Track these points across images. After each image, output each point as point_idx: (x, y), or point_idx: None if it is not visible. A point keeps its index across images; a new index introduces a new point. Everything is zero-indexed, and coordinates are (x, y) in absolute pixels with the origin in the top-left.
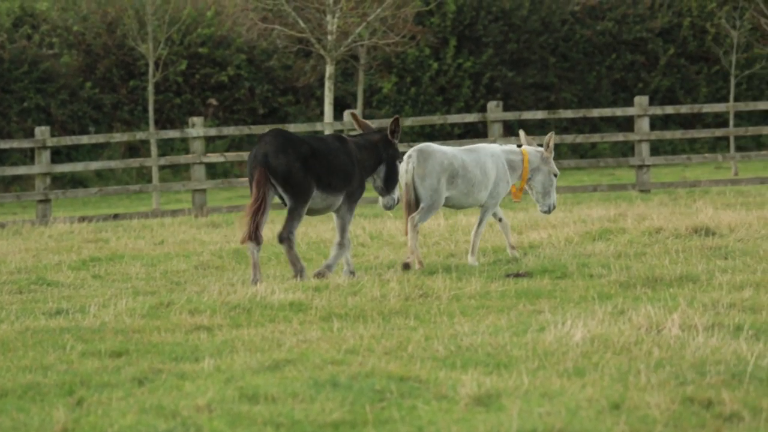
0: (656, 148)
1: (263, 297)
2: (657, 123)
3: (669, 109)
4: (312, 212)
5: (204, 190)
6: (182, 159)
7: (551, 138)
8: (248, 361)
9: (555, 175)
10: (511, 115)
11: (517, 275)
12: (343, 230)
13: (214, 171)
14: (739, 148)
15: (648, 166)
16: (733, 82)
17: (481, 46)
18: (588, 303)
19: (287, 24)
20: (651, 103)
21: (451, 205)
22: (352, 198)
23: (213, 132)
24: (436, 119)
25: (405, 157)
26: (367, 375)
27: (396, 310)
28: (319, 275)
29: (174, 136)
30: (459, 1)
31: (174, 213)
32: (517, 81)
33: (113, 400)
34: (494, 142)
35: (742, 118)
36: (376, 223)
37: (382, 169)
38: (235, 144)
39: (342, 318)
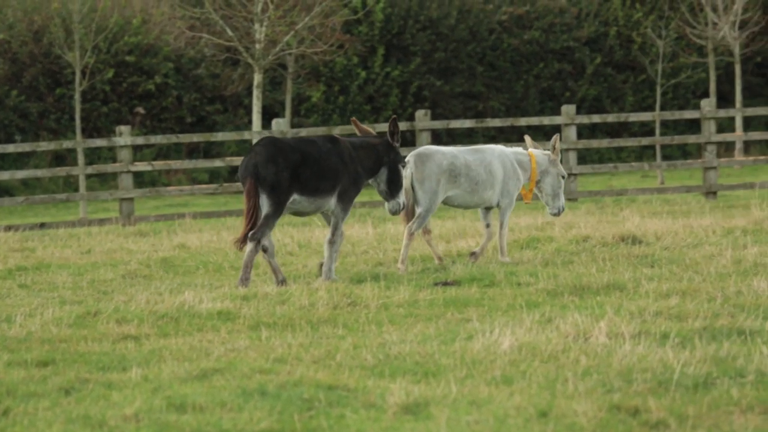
0: (583, 157)
1: (191, 306)
2: (584, 132)
3: (596, 118)
4: (301, 214)
5: (131, 199)
6: (109, 168)
7: (557, 140)
8: (176, 371)
9: (563, 177)
10: (439, 124)
11: (446, 284)
12: (335, 228)
13: (141, 180)
14: (665, 157)
15: (575, 174)
16: (659, 91)
17: (409, 54)
18: (516, 311)
19: (215, 32)
20: (578, 111)
21: (457, 204)
22: (346, 197)
23: (140, 141)
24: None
25: (405, 161)
26: (295, 384)
27: (324, 319)
28: (326, 279)
29: (101, 144)
30: (387, 10)
31: (101, 222)
32: (445, 90)
33: (39, 410)
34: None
35: (668, 127)
36: (304, 232)
37: (383, 173)
38: (163, 153)
39: (270, 327)
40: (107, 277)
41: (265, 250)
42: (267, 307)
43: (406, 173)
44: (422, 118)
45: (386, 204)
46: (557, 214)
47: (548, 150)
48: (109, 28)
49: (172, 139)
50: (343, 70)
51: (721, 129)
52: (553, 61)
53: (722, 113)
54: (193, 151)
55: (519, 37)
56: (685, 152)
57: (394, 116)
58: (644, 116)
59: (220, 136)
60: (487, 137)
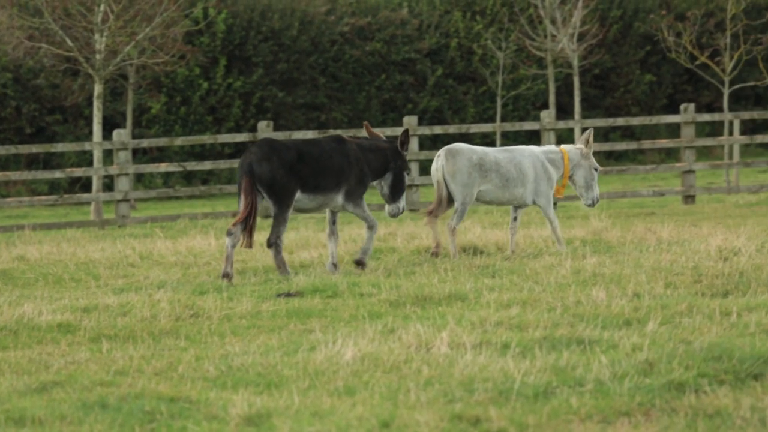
0: (425, 168)
1: (30, 318)
2: (426, 143)
3: (437, 129)
4: (304, 211)
5: None
6: None
7: (590, 134)
8: (15, 384)
9: (596, 170)
10: (281, 135)
11: (288, 295)
12: (365, 218)
13: None
14: None
15: (417, 185)
16: (499, 102)
17: (252, 65)
18: (358, 322)
19: (54, 42)
20: (420, 123)
21: (489, 200)
22: (354, 194)
23: None
24: (207, 139)
25: (435, 156)
26: (136, 396)
27: (166, 331)
28: (359, 263)
29: None
30: (229, 21)
31: None
32: (287, 101)
33: None
34: None
35: (509, 138)
36: (146, 243)
37: (388, 177)
38: (2, 163)
39: (111, 339)
40: None
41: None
42: (108, 319)
43: (437, 166)
44: (264, 130)
45: (387, 207)
46: (592, 205)
47: (581, 145)
48: None
49: (11, 150)
50: (184, 81)
51: (560, 140)
52: (395, 72)
53: (561, 124)
54: (32, 162)
55: (361, 49)
56: None
57: (407, 128)
58: (485, 127)
59: (60, 147)
60: None
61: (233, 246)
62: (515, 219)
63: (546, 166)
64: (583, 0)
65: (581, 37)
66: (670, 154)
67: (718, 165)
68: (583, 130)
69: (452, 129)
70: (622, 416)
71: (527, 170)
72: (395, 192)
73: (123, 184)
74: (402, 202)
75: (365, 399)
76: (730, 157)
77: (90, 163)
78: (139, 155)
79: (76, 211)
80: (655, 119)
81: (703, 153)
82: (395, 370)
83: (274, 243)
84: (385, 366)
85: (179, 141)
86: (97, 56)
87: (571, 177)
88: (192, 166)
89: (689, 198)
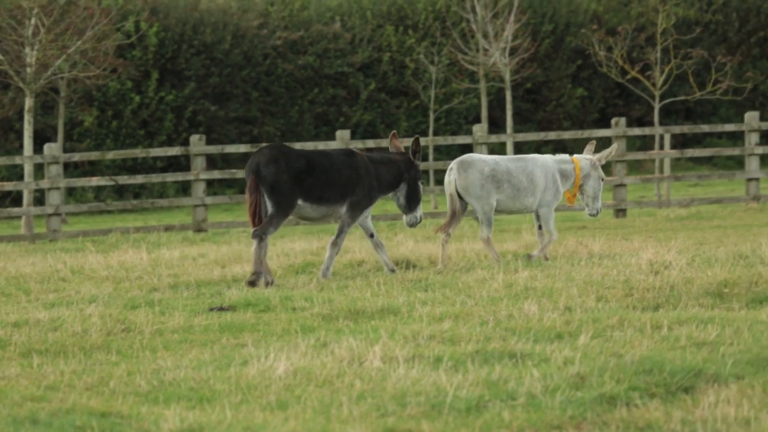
0: None
1: None
2: None
3: (370, 143)
4: (309, 220)
5: None
6: None
7: (614, 149)
8: None
9: (602, 180)
10: (214, 149)
11: (221, 309)
12: (340, 232)
13: None
14: (438, 182)
15: None
16: (432, 116)
17: (184, 79)
18: (291, 336)
19: None
20: (353, 137)
21: (500, 209)
22: (357, 207)
23: None
24: (139, 153)
25: (448, 169)
26: (67, 411)
27: (98, 345)
28: (323, 277)
29: None
30: (161, 35)
31: None
32: (220, 114)
33: None
34: (198, 176)
35: (441, 152)
36: (77, 258)
37: (403, 188)
38: None
39: (42, 354)
40: None
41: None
42: (39, 334)
43: (450, 179)
44: (197, 143)
45: (404, 217)
46: (595, 215)
47: (589, 156)
48: None
49: None
50: (116, 95)
51: (492, 154)
52: (327, 86)
53: (494, 138)
54: None
55: (293, 63)
56: None
57: (417, 136)
58: None
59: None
60: None
61: (261, 248)
62: (540, 227)
63: (556, 177)
64: (515, 14)
65: (513, 52)
66: (604, 169)
67: (649, 179)
68: (516, 144)
69: (385, 143)
70: (553, 430)
71: (538, 180)
72: (411, 202)
73: (54, 198)
74: (419, 212)
75: (298, 413)
76: (661, 171)
77: (21, 177)
78: (71, 169)
79: (6, 225)
80: (586, 133)
81: (634, 167)
82: (328, 384)
83: (258, 236)
84: (318, 380)
85: (111, 155)
86: (28, 70)
87: (581, 187)
88: (124, 179)
89: (620, 212)
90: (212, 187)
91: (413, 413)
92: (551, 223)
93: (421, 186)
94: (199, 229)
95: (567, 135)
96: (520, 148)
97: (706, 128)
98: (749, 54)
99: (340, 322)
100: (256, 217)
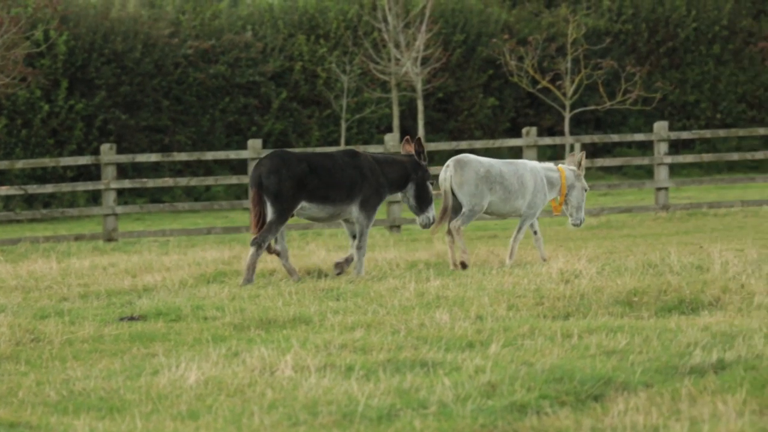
0: None
1: None
2: None
3: None
4: (317, 220)
5: None
6: None
7: (583, 157)
8: None
9: (586, 190)
10: (124, 158)
11: (131, 318)
12: (361, 234)
13: None
14: None
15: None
16: (344, 126)
17: (94, 88)
18: (202, 345)
19: None
20: (264, 146)
21: (491, 211)
22: (367, 206)
23: None
24: (48, 162)
25: (444, 166)
26: None
27: (6, 356)
28: (358, 274)
29: None
30: (70, 43)
31: None
32: (130, 123)
33: None
34: (108, 185)
35: None
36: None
37: (411, 188)
38: None
39: None
40: None
41: (278, 254)
42: None
43: (446, 176)
44: (107, 152)
45: (417, 218)
46: (578, 225)
47: (573, 167)
48: None
49: None
50: (25, 104)
51: None
52: (239, 95)
53: None
54: None
55: (205, 71)
56: None
57: (419, 137)
58: (330, 151)
59: None
60: (174, 171)
61: (257, 255)
62: (536, 232)
63: (544, 182)
64: (426, 24)
65: (425, 61)
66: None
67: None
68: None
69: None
70: None
71: (528, 183)
72: (421, 202)
73: None
74: (431, 212)
75: (209, 423)
76: None
77: None
78: None
79: None
80: (497, 143)
81: None
82: (239, 393)
83: (257, 244)
84: (229, 389)
85: (20, 164)
86: None
87: (566, 196)
88: (33, 189)
89: None
90: (123, 196)
91: (325, 422)
92: (527, 223)
93: (431, 186)
94: (109, 239)
95: (478, 144)
96: (432, 158)
97: (615, 138)
98: (658, 64)
99: (252, 331)
100: (260, 227)
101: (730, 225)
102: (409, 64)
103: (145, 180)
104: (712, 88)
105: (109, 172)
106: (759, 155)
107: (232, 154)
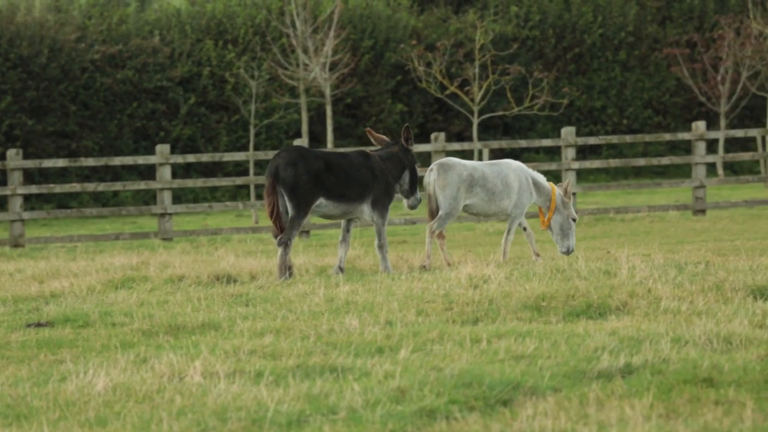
0: (178, 197)
1: None
2: (179, 171)
3: (190, 158)
4: (330, 218)
5: None
6: None
7: (569, 184)
8: None
9: (573, 220)
10: (31, 163)
11: (38, 325)
12: (379, 233)
13: None
14: (259, 197)
15: (170, 214)
16: (252, 131)
17: (0, 93)
18: (110, 352)
19: None
20: (172, 151)
21: (476, 212)
22: (379, 204)
23: None
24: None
25: (428, 170)
26: None
27: None
28: (385, 271)
29: None
30: None
31: None
32: (37, 129)
33: None
34: (15, 190)
35: (262, 166)
36: None
37: (406, 175)
38: None
39: None
40: None
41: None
42: None
43: (429, 180)
44: (14, 158)
45: (405, 201)
46: (567, 253)
47: (560, 191)
48: None
49: None
50: None
51: None
52: (146, 100)
53: None
54: None
55: (112, 77)
56: None
57: (407, 125)
58: (238, 156)
59: None
60: (81, 176)
61: (286, 254)
62: (525, 229)
63: (530, 182)
64: (334, 30)
65: (333, 67)
66: (422, 183)
67: None
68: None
69: (205, 157)
70: None
71: (512, 183)
72: (412, 185)
73: None
74: (418, 193)
75: (117, 430)
76: None
77: None
78: None
79: None
80: None
81: None
82: (148, 399)
83: (284, 243)
84: (138, 396)
85: None
86: None
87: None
88: None
89: None
90: (30, 201)
91: (234, 428)
92: (515, 223)
93: (416, 169)
94: (16, 245)
95: None
96: None
97: (523, 143)
98: (565, 70)
99: (161, 337)
100: (275, 217)
101: (637, 230)
102: (317, 70)
103: (52, 185)
104: (618, 93)
105: (16, 177)
106: (665, 161)
107: (140, 160)
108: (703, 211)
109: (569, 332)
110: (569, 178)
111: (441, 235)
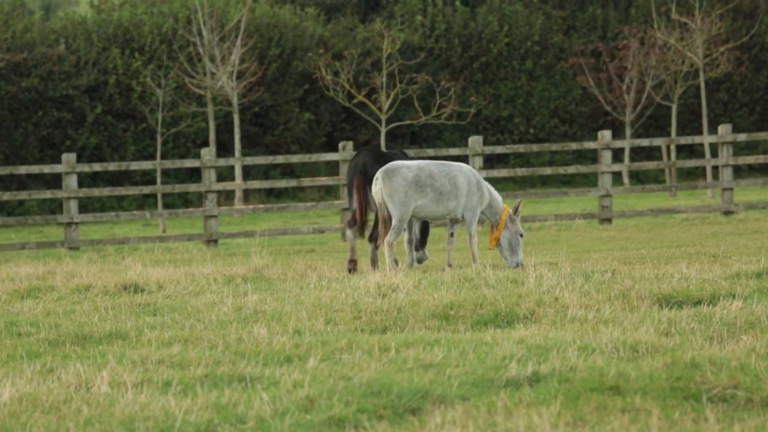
0: (85, 206)
1: None
2: (85, 180)
3: (97, 167)
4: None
5: None
6: None
7: (521, 204)
8: None
9: (521, 236)
10: None
11: None
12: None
13: None
14: (166, 206)
15: (77, 223)
16: (159, 140)
17: None
18: (16, 362)
19: None
20: (79, 160)
21: (425, 215)
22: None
23: None
24: None
25: (374, 180)
26: None
27: None
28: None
29: None
30: None
31: None
32: None
33: None
34: None
35: (170, 175)
36: None
37: None
38: None
39: None
40: None
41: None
42: None
43: (376, 189)
44: None
45: None
46: (515, 268)
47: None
48: None
49: None
50: None
51: (221, 178)
52: (52, 109)
53: (222, 162)
54: None
55: (17, 85)
56: (187, 201)
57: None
58: (145, 165)
59: None
60: None
61: (354, 236)
62: (452, 235)
63: (481, 184)
64: (241, 38)
65: (240, 75)
66: (330, 192)
67: None
68: (244, 168)
69: (112, 166)
70: None
71: (461, 185)
72: None
73: None
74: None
75: None
76: None
77: None
78: None
79: None
80: (314, 157)
81: None
82: (54, 410)
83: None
84: (44, 406)
85: None
86: None
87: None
88: None
89: None
90: None
91: None
92: (474, 226)
93: None
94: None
95: (295, 159)
96: (248, 172)
97: (431, 152)
98: (472, 79)
99: (67, 347)
100: (363, 214)
101: (544, 239)
102: (224, 78)
103: None
104: (525, 103)
105: None
106: (571, 170)
107: (46, 169)
108: (609, 220)
109: (477, 341)
110: (521, 199)
111: (390, 246)
